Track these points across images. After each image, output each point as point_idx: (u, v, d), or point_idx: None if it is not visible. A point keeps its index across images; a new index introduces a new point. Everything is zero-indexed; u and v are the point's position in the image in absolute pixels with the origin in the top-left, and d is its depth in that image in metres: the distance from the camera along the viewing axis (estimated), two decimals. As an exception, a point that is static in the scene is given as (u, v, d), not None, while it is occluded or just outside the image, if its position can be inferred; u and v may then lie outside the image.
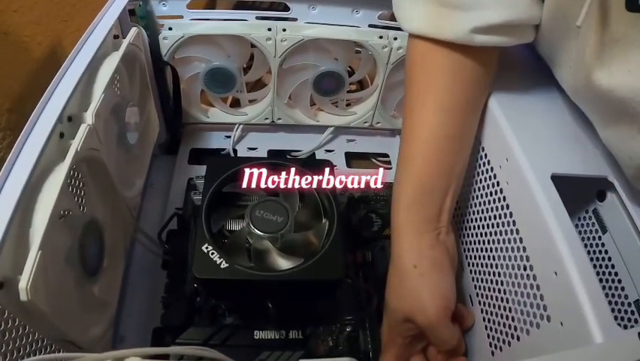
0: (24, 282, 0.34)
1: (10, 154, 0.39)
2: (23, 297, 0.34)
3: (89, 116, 0.46)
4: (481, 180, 0.53)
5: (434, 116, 0.49)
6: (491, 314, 0.50)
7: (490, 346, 0.50)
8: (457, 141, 0.50)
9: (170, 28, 0.65)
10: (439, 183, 0.50)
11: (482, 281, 0.52)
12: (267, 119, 0.76)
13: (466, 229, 0.56)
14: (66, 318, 0.40)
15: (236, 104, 0.79)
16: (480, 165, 0.53)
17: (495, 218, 0.50)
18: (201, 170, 0.70)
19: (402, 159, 0.52)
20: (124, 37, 0.57)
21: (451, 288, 0.49)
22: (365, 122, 0.78)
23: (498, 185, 0.49)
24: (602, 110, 0.44)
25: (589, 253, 0.52)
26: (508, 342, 0.47)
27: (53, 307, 0.37)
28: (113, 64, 0.52)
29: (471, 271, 0.55)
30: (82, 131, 0.44)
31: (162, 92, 0.71)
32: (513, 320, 0.46)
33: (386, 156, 0.81)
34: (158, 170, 0.73)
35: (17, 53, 0.65)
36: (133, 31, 0.59)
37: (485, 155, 0.52)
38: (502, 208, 0.49)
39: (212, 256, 0.45)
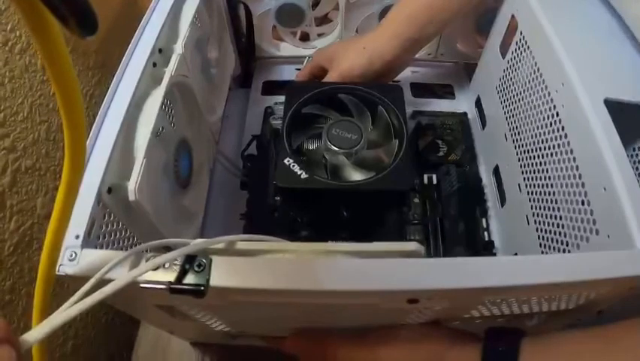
0: (132, 184, 0.40)
1: (113, 81, 0.45)
2: (132, 197, 0.40)
3: (179, 47, 0.51)
4: (539, 104, 0.55)
5: None
6: (545, 232, 0.53)
7: (544, 262, 0.53)
8: None
9: (241, -33, 0.69)
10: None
11: (538, 201, 0.55)
12: (335, 52, 0.79)
13: (525, 152, 0.58)
14: (163, 222, 0.46)
15: (305, 38, 0.83)
16: (539, 90, 0.55)
17: (552, 140, 0.52)
18: (274, 100, 0.75)
19: None
20: (201, -22, 0.61)
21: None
22: (429, 54, 0.80)
23: (555, 108, 0.51)
24: None
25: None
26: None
27: (154, 210, 0.44)
28: (195, 3, 0.57)
29: (528, 192, 0.57)
30: (174, 59, 0.50)
31: (236, 28, 0.75)
32: (565, 235, 0.48)
33: (449, 87, 0.82)
34: (234, 102, 0.78)
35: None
36: (210, -28, 0.62)
37: (543, 80, 0.54)
38: (559, 130, 0.50)
39: (293, 168, 0.50)
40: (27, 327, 0.33)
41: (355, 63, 0.63)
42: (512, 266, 0.33)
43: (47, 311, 0.33)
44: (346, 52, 0.64)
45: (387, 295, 0.32)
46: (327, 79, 0.65)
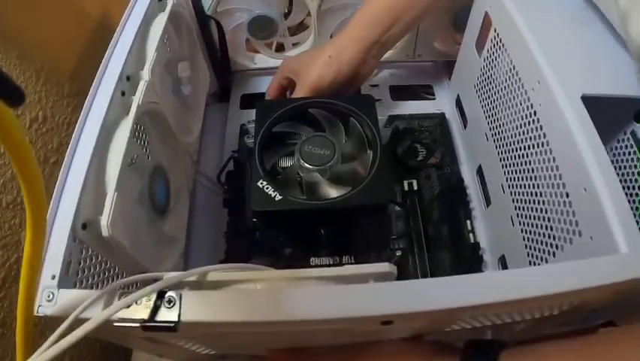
0: (105, 220, 0.40)
1: (81, 114, 0.45)
2: (105, 233, 0.40)
3: (145, 74, 0.50)
4: (516, 103, 0.54)
5: None
6: (530, 233, 0.53)
7: (530, 264, 0.53)
8: None
9: (210, -17, 0.68)
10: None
11: (521, 202, 0.54)
12: (310, 60, 0.79)
13: (506, 152, 0.58)
14: (142, 252, 0.46)
15: (280, 48, 0.83)
16: (515, 88, 0.54)
17: (531, 140, 0.51)
18: (253, 114, 0.74)
19: None
20: (167, -1, 0.61)
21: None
22: (406, 55, 0.79)
23: (532, 107, 0.50)
24: None
25: (626, 175, 0.53)
26: (546, 259, 0.49)
27: (131, 242, 0.43)
28: (161, 25, 0.56)
29: (511, 193, 0.57)
30: (141, 87, 0.49)
31: (209, 44, 0.75)
32: (549, 237, 0.48)
33: (429, 87, 0.82)
34: (213, 117, 0.78)
35: (70, 26, 0.70)
36: (175, -9, 0.61)
37: (520, 79, 0.53)
38: (537, 130, 0.50)
39: (267, 191, 0.49)
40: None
41: (324, 73, 0.63)
42: (486, 283, 0.32)
43: (30, 350, 0.34)
44: (312, 63, 0.64)
45: (359, 321, 0.32)
46: (297, 93, 0.64)
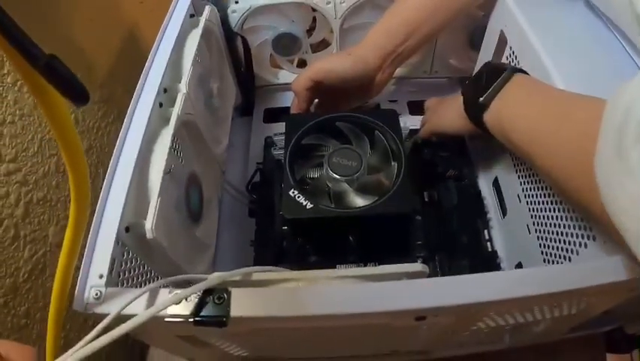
0: (149, 223, 0.42)
1: (123, 124, 0.48)
2: (149, 235, 0.42)
3: (183, 86, 0.53)
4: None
5: None
6: (546, 240, 0.55)
7: (546, 268, 0.55)
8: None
9: (237, 2, 0.71)
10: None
11: (537, 211, 0.56)
12: (331, 76, 0.82)
13: (522, 164, 0.60)
14: (179, 256, 0.49)
15: (303, 64, 0.85)
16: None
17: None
18: (275, 128, 0.77)
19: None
20: (198, 16, 0.64)
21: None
22: (424, 72, 0.83)
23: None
24: None
25: None
26: (561, 263, 0.51)
27: (170, 245, 0.46)
28: (195, 40, 0.59)
29: (527, 202, 0.59)
30: (179, 99, 0.52)
31: (235, 59, 0.78)
32: (564, 242, 0.50)
33: (445, 102, 0.84)
34: (237, 131, 0.80)
35: (101, 36, 0.74)
36: (207, 9, 0.65)
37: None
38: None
39: (298, 199, 0.51)
40: (41, 349, 0.36)
41: (338, 60, 0.66)
42: (513, 279, 0.35)
43: (59, 340, 0.36)
44: (330, 56, 0.69)
45: (396, 315, 0.34)
46: (305, 70, 0.67)
